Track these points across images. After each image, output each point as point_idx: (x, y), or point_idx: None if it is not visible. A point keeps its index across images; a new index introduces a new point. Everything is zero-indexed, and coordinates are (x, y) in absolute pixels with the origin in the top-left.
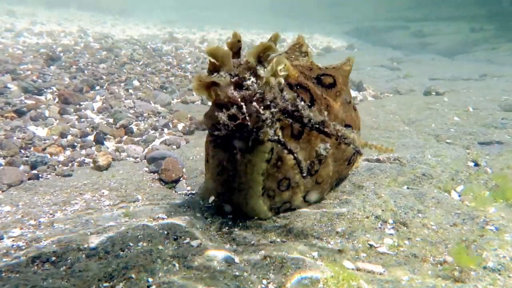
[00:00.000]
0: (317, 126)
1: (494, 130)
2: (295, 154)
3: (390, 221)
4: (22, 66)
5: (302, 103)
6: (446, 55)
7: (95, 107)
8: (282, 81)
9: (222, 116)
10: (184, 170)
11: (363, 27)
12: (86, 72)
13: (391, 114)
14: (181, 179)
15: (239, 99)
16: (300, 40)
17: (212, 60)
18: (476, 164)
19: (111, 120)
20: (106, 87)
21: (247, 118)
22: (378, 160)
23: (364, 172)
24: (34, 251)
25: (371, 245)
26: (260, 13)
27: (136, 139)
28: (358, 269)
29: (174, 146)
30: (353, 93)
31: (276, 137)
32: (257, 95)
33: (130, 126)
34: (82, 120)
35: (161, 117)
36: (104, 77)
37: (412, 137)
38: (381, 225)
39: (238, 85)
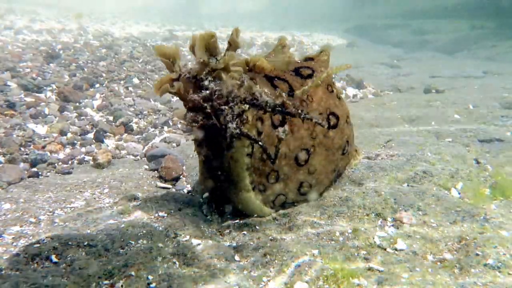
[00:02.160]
0: (278, 108)
1: (494, 128)
2: (260, 142)
3: (390, 218)
4: (22, 64)
5: (258, 88)
6: (446, 52)
7: (95, 105)
8: (235, 74)
9: (184, 123)
10: (184, 168)
11: (363, 24)
12: (85, 69)
13: (391, 111)
14: (181, 177)
15: (201, 101)
16: (282, 41)
17: (164, 60)
18: (477, 162)
19: (111, 118)
20: (106, 85)
21: (214, 117)
22: (378, 156)
23: (364, 169)
24: (34, 249)
25: (371, 243)
26: (260, 12)
27: (136, 137)
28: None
29: (174, 144)
30: (353, 91)
31: (238, 131)
32: (216, 92)
33: (130, 123)
34: (82, 117)
35: (161, 115)
36: (104, 74)
37: (412, 134)
38: (381, 222)
39: (198, 87)
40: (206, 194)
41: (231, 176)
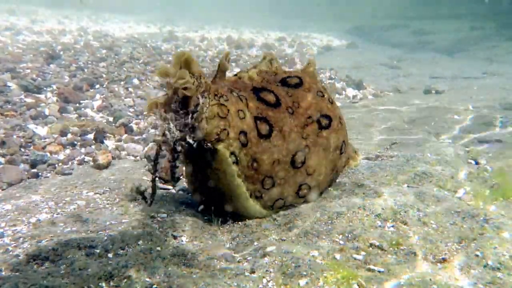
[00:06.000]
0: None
1: (494, 129)
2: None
3: (390, 219)
4: (22, 65)
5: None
6: (446, 53)
7: (95, 106)
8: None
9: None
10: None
11: (363, 25)
12: (86, 70)
13: (392, 112)
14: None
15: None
16: (270, 56)
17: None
18: (476, 163)
19: (111, 119)
20: (106, 86)
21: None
22: (377, 157)
23: (364, 170)
24: (34, 250)
25: (371, 244)
26: (260, 12)
27: (136, 137)
28: None
29: None
30: (353, 92)
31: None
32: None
33: (130, 124)
34: (82, 118)
35: None
36: (104, 75)
37: (412, 135)
38: (381, 223)
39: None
40: (201, 207)
41: (223, 188)
